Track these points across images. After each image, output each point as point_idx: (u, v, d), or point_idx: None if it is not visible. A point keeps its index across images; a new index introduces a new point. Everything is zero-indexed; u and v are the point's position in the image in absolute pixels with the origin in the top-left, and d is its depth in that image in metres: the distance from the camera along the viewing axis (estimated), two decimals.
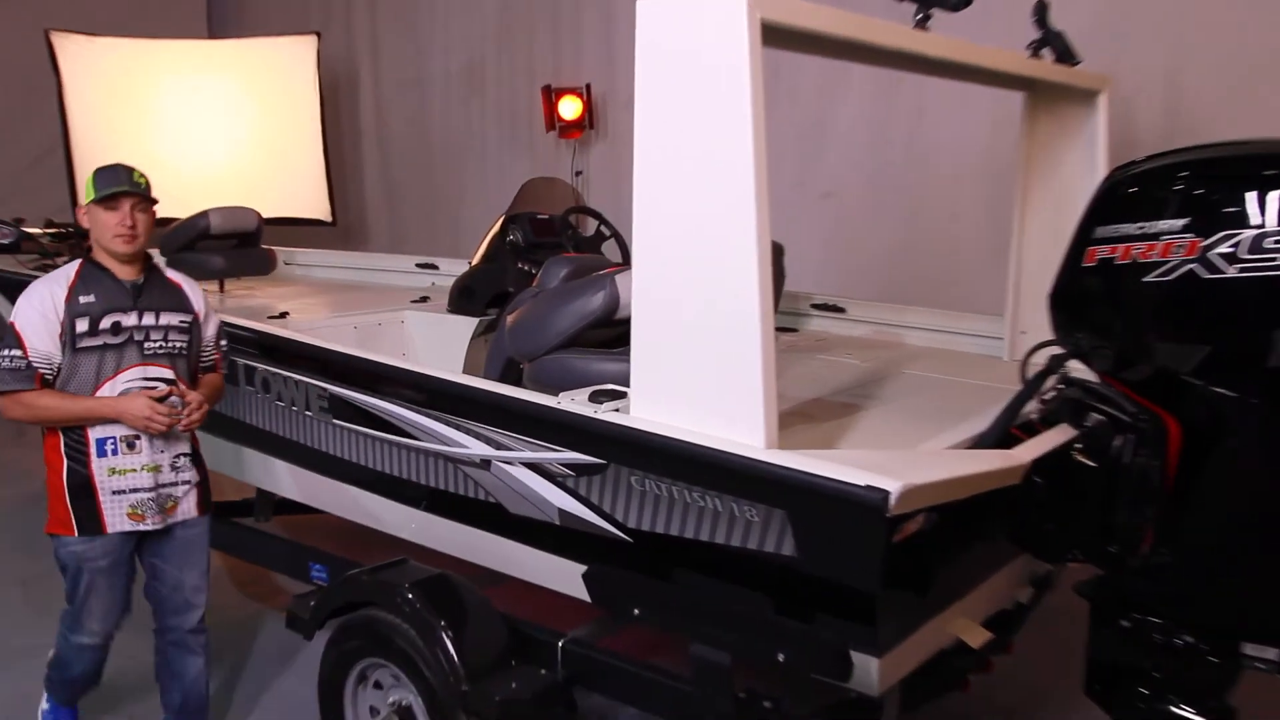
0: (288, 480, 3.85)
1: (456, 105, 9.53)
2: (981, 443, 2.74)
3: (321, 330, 4.12)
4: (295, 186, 9.36)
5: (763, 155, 2.31)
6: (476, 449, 3.04)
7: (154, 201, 3.07)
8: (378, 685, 3.15)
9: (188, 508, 3.16)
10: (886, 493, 2.17)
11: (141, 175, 3.06)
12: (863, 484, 2.21)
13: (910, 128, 6.58)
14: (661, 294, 2.54)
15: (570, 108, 8.31)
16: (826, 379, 3.60)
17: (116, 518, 3.04)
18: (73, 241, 5.94)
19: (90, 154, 8.62)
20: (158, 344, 3.05)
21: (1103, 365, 2.64)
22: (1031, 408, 2.77)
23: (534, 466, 2.90)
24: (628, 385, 2.69)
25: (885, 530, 2.25)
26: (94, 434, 3.01)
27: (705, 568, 2.62)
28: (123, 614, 3.21)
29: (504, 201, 5.13)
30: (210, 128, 9.19)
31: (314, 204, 9.40)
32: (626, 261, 4.40)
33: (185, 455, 3.15)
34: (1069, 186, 3.66)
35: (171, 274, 3.21)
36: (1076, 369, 2.72)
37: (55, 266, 5.49)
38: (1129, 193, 2.53)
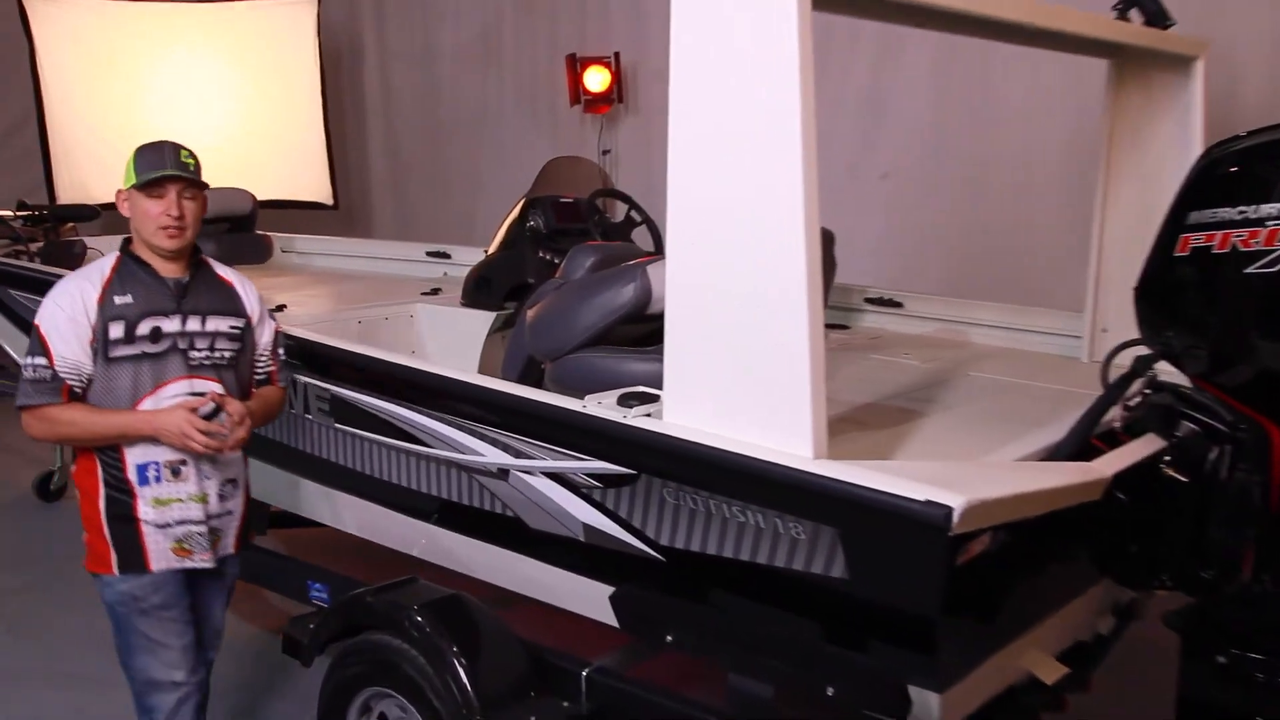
0: (285, 490, 3.89)
1: (470, 77, 9.58)
2: (1057, 454, 2.73)
3: (322, 325, 4.16)
4: (293, 166, 9.44)
5: (812, 132, 2.31)
6: (493, 457, 3.06)
7: (204, 186, 2.92)
8: (383, 717, 3.18)
9: (230, 543, 3.06)
10: (949, 509, 2.17)
11: (191, 155, 2.91)
12: (922, 499, 2.21)
13: (976, 100, 6.56)
14: (698, 286, 2.55)
15: (596, 79, 8.33)
16: (882, 382, 3.59)
17: (161, 553, 2.91)
18: (47, 226, 6.03)
19: (67, 128, 8.74)
20: (204, 353, 2.92)
21: (1196, 368, 2.62)
22: (1114, 415, 2.76)
23: (556, 477, 2.92)
24: (660, 387, 2.71)
25: (947, 550, 2.24)
26: (132, 458, 2.86)
27: (746, 590, 2.62)
28: (201, 649, 3.08)
29: (523, 183, 5.17)
30: (199, 100, 9.27)
31: (314, 185, 9.48)
32: (659, 250, 4.41)
33: (232, 482, 3.03)
34: (1159, 165, 3.63)
35: (223, 271, 3.07)
36: (1166, 371, 2.70)
37: (28, 254, 5.66)
38: (1229, 172, 2.51)
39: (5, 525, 5.84)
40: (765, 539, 2.52)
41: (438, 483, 3.28)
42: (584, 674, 3.02)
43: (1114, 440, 2.72)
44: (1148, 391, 2.71)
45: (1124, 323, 2.80)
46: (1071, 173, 5.72)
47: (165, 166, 2.85)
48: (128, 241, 2.96)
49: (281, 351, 3.17)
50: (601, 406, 2.79)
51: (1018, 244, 6.32)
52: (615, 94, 8.35)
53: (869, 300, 4.81)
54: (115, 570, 2.91)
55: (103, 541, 2.91)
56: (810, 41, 2.29)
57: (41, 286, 4.68)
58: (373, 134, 10.35)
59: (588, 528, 2.89)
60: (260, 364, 3.10)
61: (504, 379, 3.31)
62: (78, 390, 2.83)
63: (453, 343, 4.55)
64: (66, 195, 8.58)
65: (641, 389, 2.85)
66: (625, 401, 2.78)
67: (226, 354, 2.97)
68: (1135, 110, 3.73)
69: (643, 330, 3.23)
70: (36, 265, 5.14)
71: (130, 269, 2.91)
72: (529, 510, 3.03)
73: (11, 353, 5.28)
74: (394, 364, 3.35)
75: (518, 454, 2.99)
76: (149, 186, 2.85)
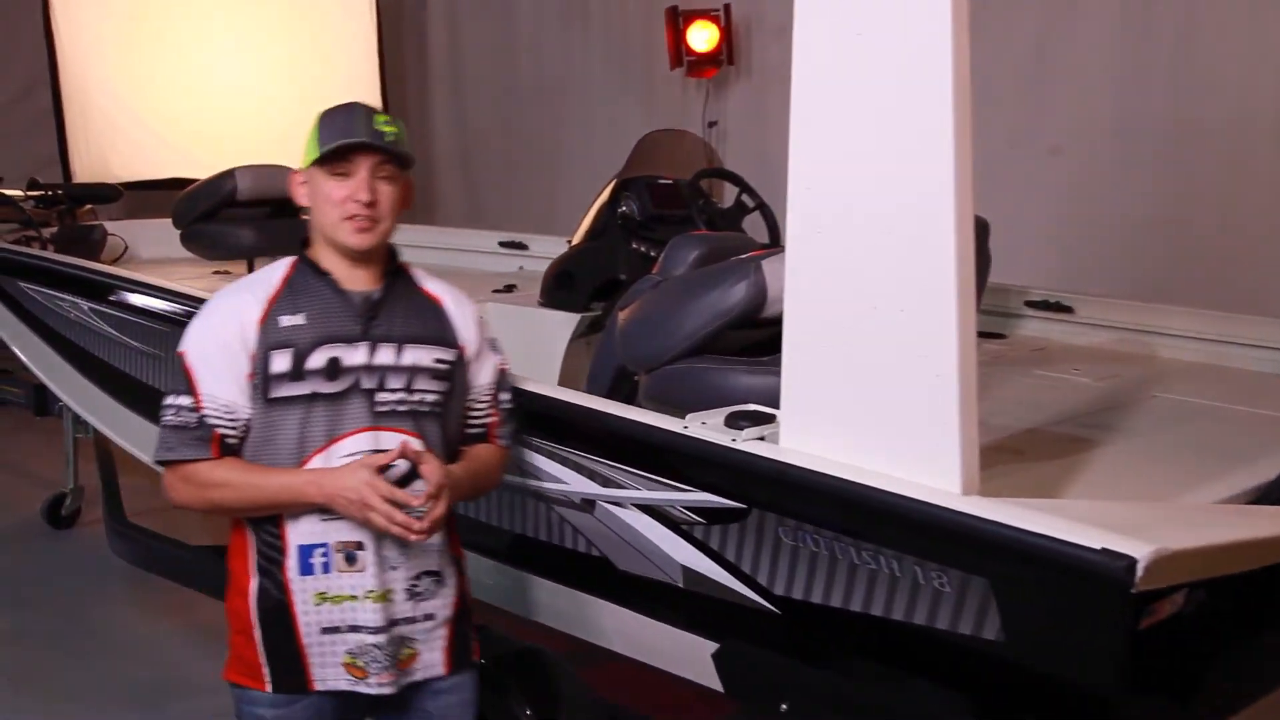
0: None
1: (553, 35, 9.69)
2: (1270, 495, 2.68)
3: None
4: None
5: (966, 97, 2.30)
6: (576, 485, 3.08)
7: (408, 163, 2.65)
8: None
9: (432, 660, 2.69)
10: (1131, 560, 2.13)
11: (390, 121, 2.62)
12: (1097, 546, 2.17)
13: (1174, 59, 6.44)
14: (823, 285, 2.55)
15: (702, 37, 8.36)
16: (1046, 403, 3.55)
17: (328, 670, 2.60)
18: (62, 208, 6.23)
19: (85, 93, 8.98)
20: (397, 395, 2.59)
21: None
22: None
23: (651, 510, 2.93)
24: (776, 406, 2.71)
25: (1130, 611, 2.20)
26: (295, 535, 2.57)
27: (877, 652, 2.61)
28: None
29: (614, 162, 5.20)
30: (237, 63, 9.48)
31: None
32: (777, 242, 4.41)
33: (433, 576, 2.67)
34: None
35: (430, 284, 2.78)
36: None
37: (39, 240, 5.86)
38: None
39: (8, 557, 6.00)
40: (901, 590, 2.50)
41: (510, 514, 3.32)
42: None
43: None
44: None
45: None
46: None
47: (354, 133, 2.55)
48: (305, 244, 2.70)
49: (506, 397, 2.84)
50: (706, 428, 2.80)
51: (1222, 237, 6.20)
52: (724, 54, 8.37)
53: (1031, 304, 4.76)
54: (267, 687, 2.62)
55: (252, 647, 2.62)
56: None
57: (55, 278, 4.87)
58: (437, 102, 10.51)
59: (688, 571, 2.90)
60: (475, 412, 2.79)
61: (589, 393, 3.34)
62: (232, 441, 2.55)
63: (528, 349, 4.59)
64: (84, 173, 8.84)
65: (754, 407, 2.85)
66: (734, 422, 2.78)
67: (429, 397, 2.64)
68: None
69: (756, 337, 3.23)
70: (50, 254, 5.32)
71: (305, 279, 2.63)
72: (618, 549, 3.05)
73: (22, 355, 5.48)
74: None
75: (605, 482, 3.02)
76: (331, 162, 2.56)
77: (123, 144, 9.02)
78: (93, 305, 4.67)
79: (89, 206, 6.61)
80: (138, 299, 4.44)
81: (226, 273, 5.80)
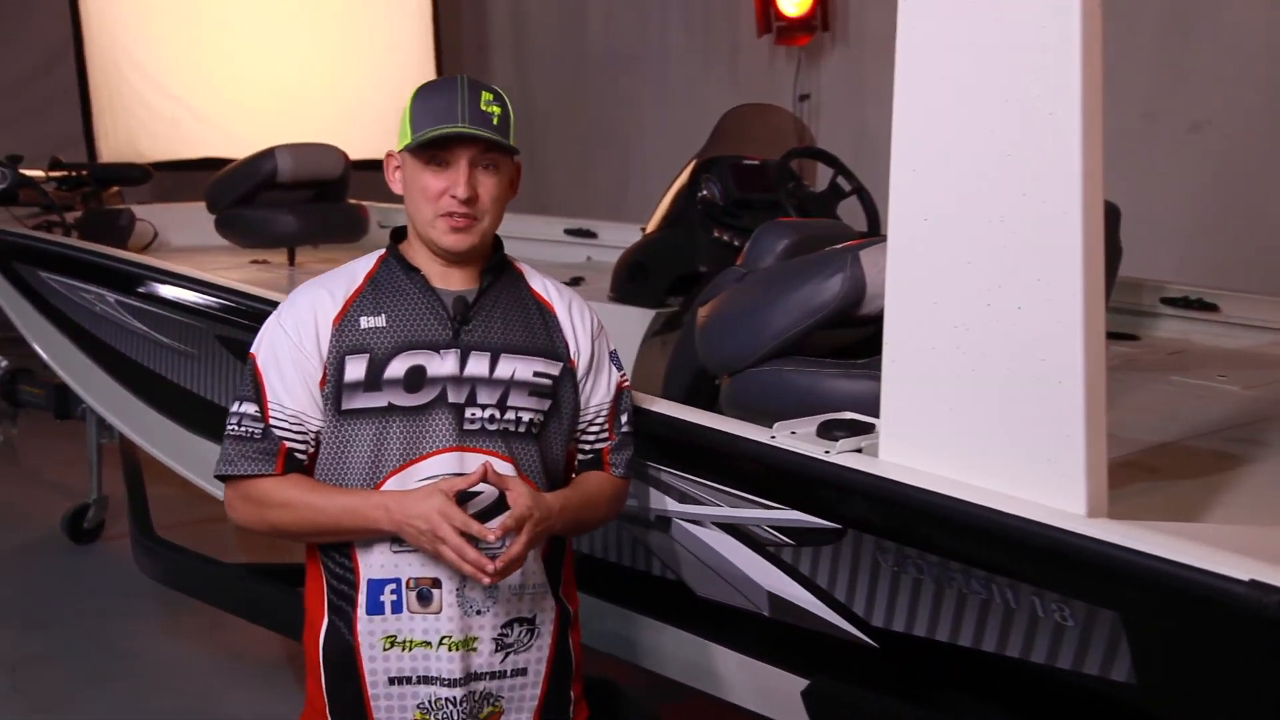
0: None
1: (626, 0, 9.71)
2: None
3: None
4: (395, 117, 9.65)
5: (1098, 70, 2.28)
6: (650, 501, 3.09)
7: (513, 151, 2.59)
8: None
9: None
10: None
11: (495, 101, 2.54)
12: (1245, 578, 2.15)
13: None
14: (929, 280, 2.54)
15: (793, 0, 8.35)
16: (1185, 413, 3.52)
17: None
18: (87, 190, 6.34)
19: (111, 66, 9.15)
20: (489, 412, 2.53)
21: None
22: None
23: (734, 530, 2.94)
24: (875, 414, 2.70)
25: None
26: (367, 569, 2.52)
27: (989, 691, 2.60)
28: None
29: (694, 140, 5.20)
30: (278, 31, 9.60)
31: None
32: (877, 231, 4.39)
33: (524, 623, 2.60)
34: None
35: (539, 284, 2.73)
36: None
37: (62, 225, 5.95)
38: None
39: (26, 573, 6.09)
40: (1017, 624, 2.49)
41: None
42: None
43: None
44: None
45: None
46: None
47: (454, 117, 2.48)
48: (399, 234, 2.67)
49: (624, 419, 2.77)
50: (796, 438, 2.80)
51: None
52: (819, 19, 8.35)
53: (1168, 301, 4.72)
54: None
55: (318, 690, 2.60)
56: None
57: (79, 267, 4.96)
58: (498, 78, 10.59)
59: (774, 598, 2.90)
60: (589, 434, 2.74)
61: (665, 397, 3.34)
62: (300, 457, 2.53)
63: None
64: (110, 152, 8.99)
65: (850, 416, 2.85)
66: (828, 432, 2.78)
67: (525, 415, 2.57)
68: None
69: (852, 337, 3.23)
70: (73, 241, 5.42)
71: (392, 275, 2.59)
72: (696, 573, 3.05)
73: (42, 352, 5.58)
74: None
75: (682, 498, 3.02)
76: (428, 149, 2.51)
77: (152, 121, 9.17)
78: (119, 298, 4.74)
79: (116, 189, 6.71)
80: (168, 291, 4.51)
81: (265, 262, 5.88)
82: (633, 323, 4.60)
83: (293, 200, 5.84)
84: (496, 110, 2.51)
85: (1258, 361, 4.27)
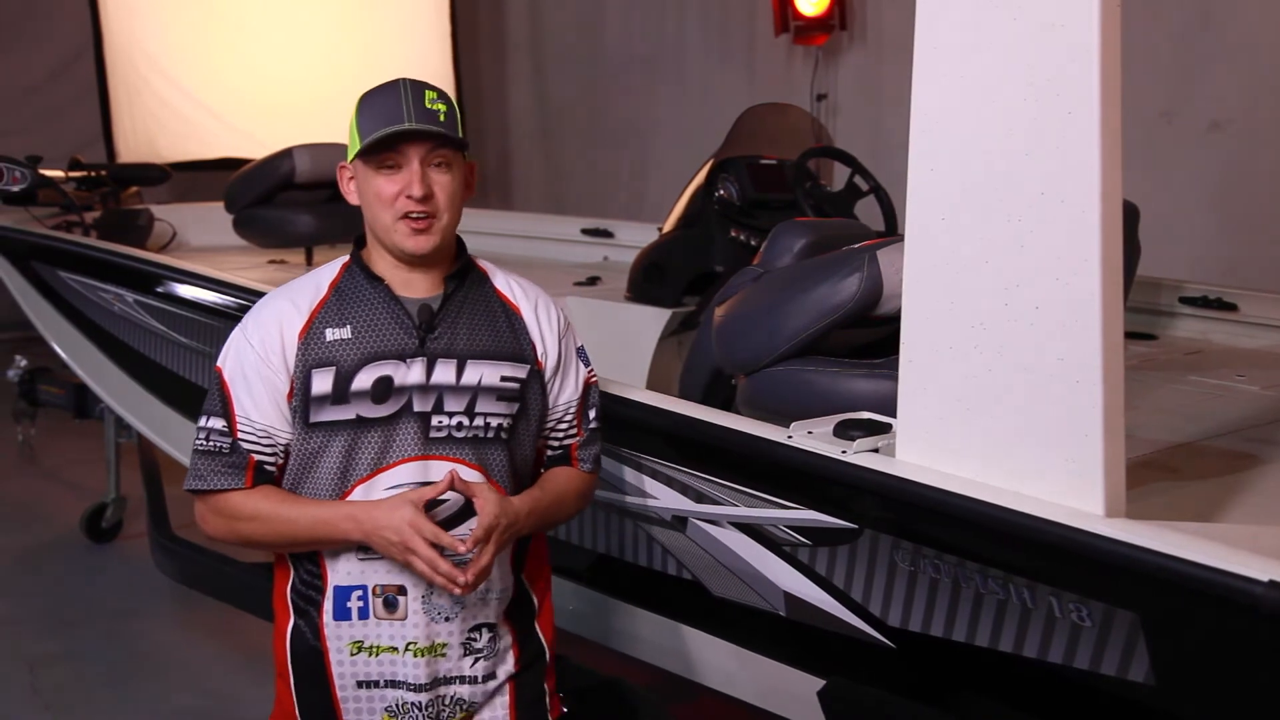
0: None
1: (644, 1, 9.71)
2: None
3: None
4: None
5: (1116, 68, 2.28)
6: (666, 501, 3.09)
7: (463, 145, 2.55)
8: None
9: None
10: None
11: (441, 98, 2.54)
12: (1264, 579, 2.14)
13: None
14: (947, 279, 2.53)
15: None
16: (1203, 413, 3.51)
17: None
18: (105, 190, 6.36)
19: (130, 66, 9.18)
20: (455, 420, 2.53)
21: None
22: None
23: (750, 529, 2.94)
24: (892, 413, 2.70)
25: None
26: (335, 576, 2.54)
27: (1006, 692, 2.60)
28: None
29: (711, 140, 5.20)
30: (296, 32, 9.62)
31: None
32: (894, 230, 4.39)
33: (486, 628, 2.62)
34: None
35: (504, 284, 2.71)
36: None
37: (81, 225, 5.97)
38: None
39: (45, 573, 6.12)
40: (1034, 624, 2.48)
41: (592, 532, 3.34)
42: None
43: None
44: None
45: None
46: None
47: (399, 117, 2.46)
48: (361, 241, 2.67)
49: (592, 415, 2.77)
50: (813, 438, 2.80)
51: None
52: (836, 18, 8.35)
53: (1186, 300, 4.71)
54: None
55: (288, 694, 2.63)
56: None
57: (97, 267, 4.97)
58: (516, 76, 10.59)
59: (790, 598, 2.89)
60: (558, 431, 2.73)
61: (682, 397, 3.34)
62: (269, 469, 2.54)
63: (613, 348, 4.61)
64: (129, 152, 9.01)
65: (867, 415, 2.85)
66: (845, 431, 2.77)
67: (494, 421, 2.57)
68: None
69: (869, 337, 3.23)
70: (92, 240, 5.43)
71: (356, 284, 2.58)
72: (712, 572, 3.05)
73: (61, 352, 5.60)
74: None
75: (699, 498, 3.02)
76: (377, 153, 2.50)
77: (171, 121, 9.20)
78: (138, 297, 4.76)
79: (134, 189, 6.73)
80: (187, 291, 4.52)
81: (283, 262, 5.89)
82: (649, 323, 4.61)
83: (310, 200, 5.86)
84: (442, 108, 2.50)
85: (1277, 361, 4.26)
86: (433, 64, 9.71)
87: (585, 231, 6.18)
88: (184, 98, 9.27)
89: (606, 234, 6.12)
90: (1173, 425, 3.36)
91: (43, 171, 5.86)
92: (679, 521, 3.08)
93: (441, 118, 2.49)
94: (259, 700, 4.59)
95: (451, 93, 9.68)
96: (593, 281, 5.24)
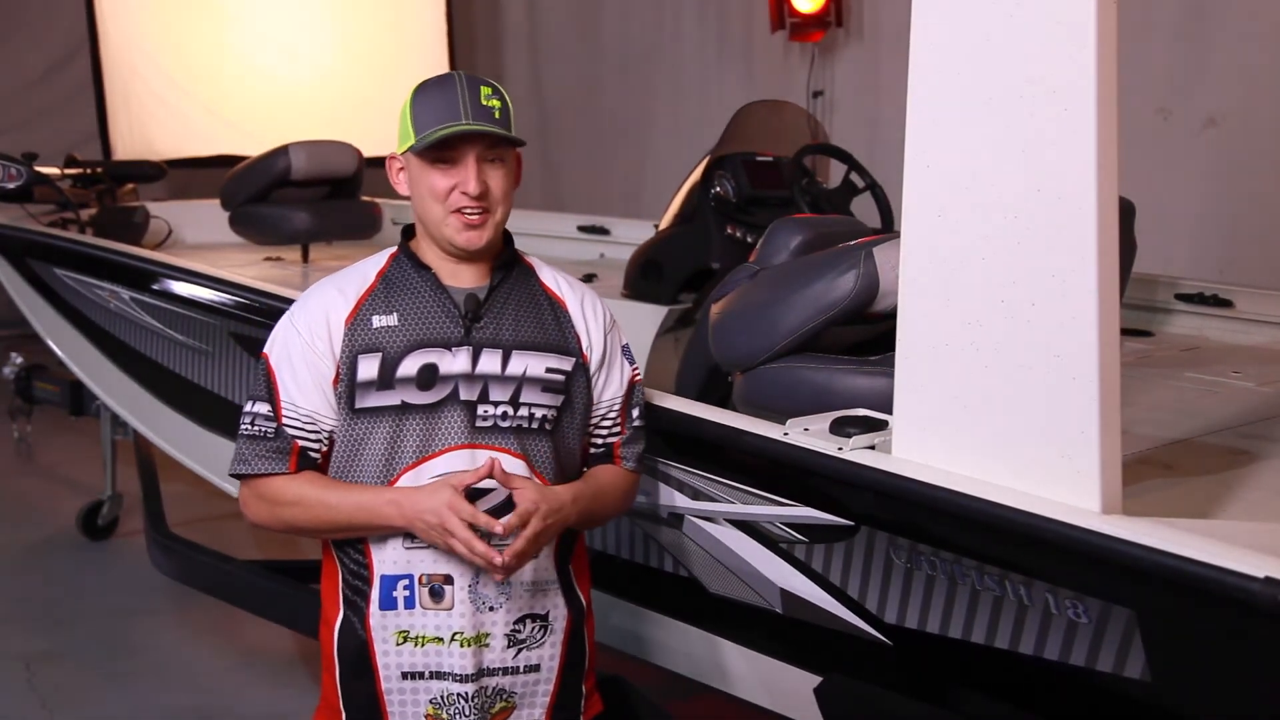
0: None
1: None
2: None
3: None
4: None
5: (1112, 64, 2.27)
6: (663, 498, 3.09)
7: (517, 143, 2.57)
8: None
9: (531, 717, 2.65)
10: None
11: (494, 95, 2.54)
12: (1260, 575, 2.14)
13: None
14: (943, 276, 2.53)
15: None
16: (1200, 410, 3.51)
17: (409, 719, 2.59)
18: (101, 188, 6.35)
19: (126, 63, 9.17)
20: (501, 409, 2.54)
21: None
22: None
23: (746, 527, 2.94)
24: (889, 411, 2.70)
25: None
26: (381, 564, 2.54)
27: (1002, 689, 2.60)
28: None
29: (708, 137, 5.20)
30: (292, 28, 9.62)
31: None
32: (890, 227, 4.38)
33: (536, 619, 2.61)
34: None
35: (550, 278, 2.72)
36: None
37: (77, 223, 5.97)
38: None
39: (41, 570, 6.11)
40: (1030, 621, 2.48)
41: (589, 530, 3.32)
42: None
43: None
44: None
45: None
46: None
47: (457, 115, 2.47)
48: (409, 231, 2.68)
49: (636, 413, 2.77)
50: (808, 435, 2.79)
51: None
52: (832, 15, 8.34)
53: (1182, 297, 4.71)
54: None
55: (333, 688, 2.61)
56: None
57: (94, 264, 4.97)
58: (512, 73, 10.59)
59: (787, 595, 2.89)
60: (601, 428, 2.74)
61: (678, 394, 3.34)
62: (314, 455, 2.55)
63: None
64: (125, 149, 9.01)
65: (863, 412, 2.84)
66: (841, 428, 2.77)
67: (539, 412, 2.57)
68: None
69: (865, 334, 3.23)
70: (88, 238, 5.43)
71: (404, 273, 2.60)
72: (709, 569, 3.05)
73: (57, 349, 5.59)
74: None
75: (695, 495, 3.02)
76: (434, 150, 2.50)
77: (167, 118, 9.19)
78: (134, 294, 4.75)
79: (131, 186, 6.73)
80: (183, 288, 4.51)
81: (279, 259, 5.89)
82: (646, 319, 4.60)
83: (306, 197, 5.86)
84: (497, 104, 2.51)
85: (1273, 357, 4.26)
86: (428, 61, 9.70)
87: (581, 228, 6.18)
88: (180, 94, 9.26)
89: (603, 231, 6.12)
90: (1169, 422, 3.36)
91: (38, 169, 5.85)
92: (675, 519, 3.08)
93: (497, 114, 2.50)
94: (253, 697, 4.63)
95: None
96: (589, 279, 5.23)
